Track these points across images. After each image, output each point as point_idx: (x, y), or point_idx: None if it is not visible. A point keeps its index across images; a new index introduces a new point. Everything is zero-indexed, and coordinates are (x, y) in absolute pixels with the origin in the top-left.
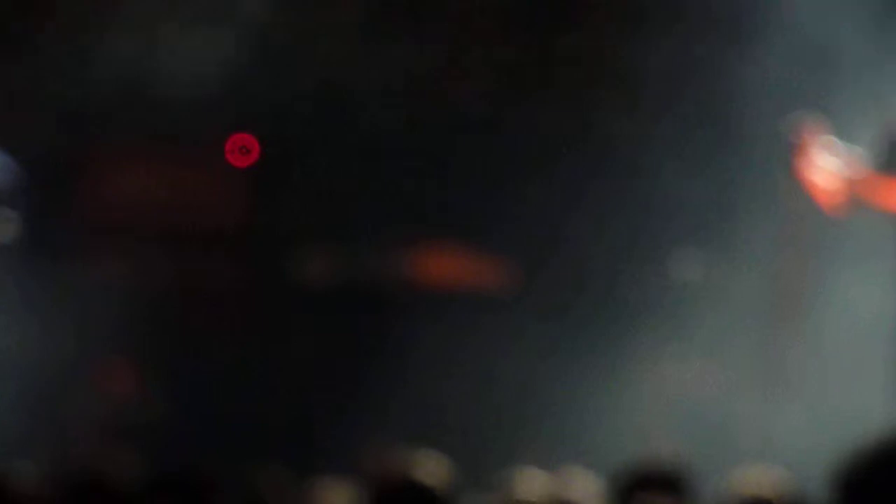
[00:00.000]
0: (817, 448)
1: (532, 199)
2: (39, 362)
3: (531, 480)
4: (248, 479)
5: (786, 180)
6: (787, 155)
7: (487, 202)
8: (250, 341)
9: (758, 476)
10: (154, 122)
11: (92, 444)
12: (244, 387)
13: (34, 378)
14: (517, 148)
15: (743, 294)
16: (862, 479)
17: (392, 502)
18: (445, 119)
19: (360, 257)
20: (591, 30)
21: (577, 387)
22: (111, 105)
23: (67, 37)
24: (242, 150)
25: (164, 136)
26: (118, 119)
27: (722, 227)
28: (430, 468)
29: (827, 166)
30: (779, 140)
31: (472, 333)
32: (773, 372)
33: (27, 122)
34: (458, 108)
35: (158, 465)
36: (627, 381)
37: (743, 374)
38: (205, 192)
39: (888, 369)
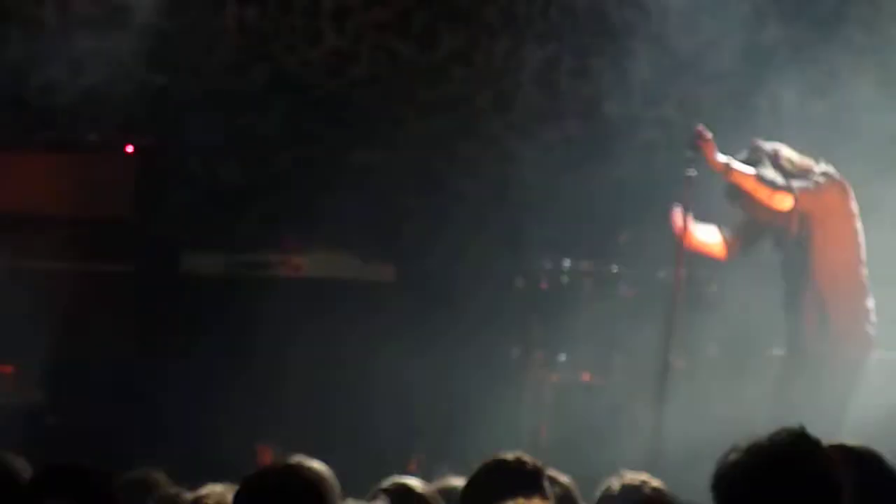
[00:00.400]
0: (698, 452)
1: (409, 201)
2: None
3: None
4: (133, 480)
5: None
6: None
7: (363, 204)
8: (139, 339)
9: (634, 477)
10: (46, 120)
11: None
12: (131, 387)
13: None
14: (394, 148)
15: (618, 298)
16: (736, 480)
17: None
18: (323, 123)
19: (243, 253)
20: (469, 32)
21: (453, 387)
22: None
23: None
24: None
25: (55, 134)
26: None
27: (597, 231)
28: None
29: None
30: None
31: (348, 332)
32: (658, 376)
33: None
34: (338, 111)
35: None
36: (504, 383)
37: (624, 378)
38: (96, 188)
39: (770, 374)
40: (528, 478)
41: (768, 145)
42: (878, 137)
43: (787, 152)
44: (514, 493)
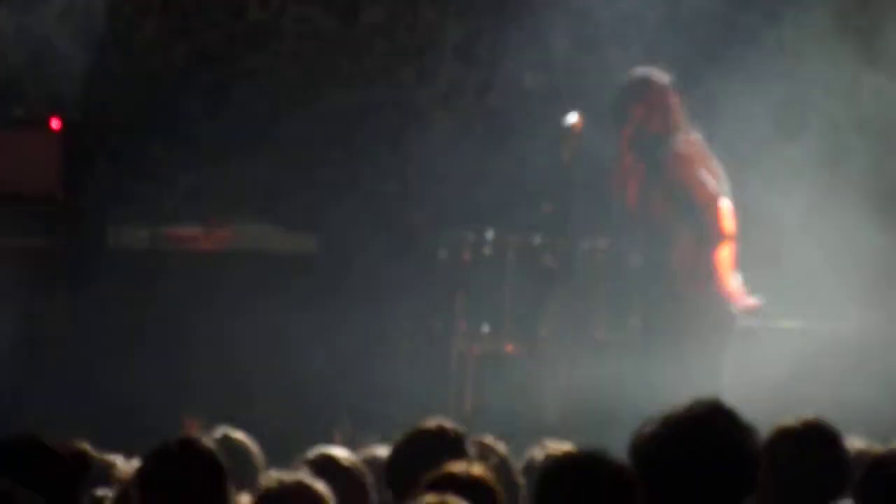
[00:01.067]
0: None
1: (332, 173)
2: None
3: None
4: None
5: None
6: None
7: (287, 176)
8: (67, 314)
9: (557, 447)
10: None
11: None
12: (60, 362)
13: None
14: (318, 120)
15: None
16: (652, 451)
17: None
18: (251, 94)
19: (168, 227)
20: (393, 4)
21: (377, 359)
22: None
23: None
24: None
25: None
26: None
27: (521, 203)
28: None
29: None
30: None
31: (272, 303)
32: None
33: None
34: (264, 81)
35: None
36: (428, 354)
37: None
38: (22, 164)
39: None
40: (451, 444)
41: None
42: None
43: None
44: (438, 460)
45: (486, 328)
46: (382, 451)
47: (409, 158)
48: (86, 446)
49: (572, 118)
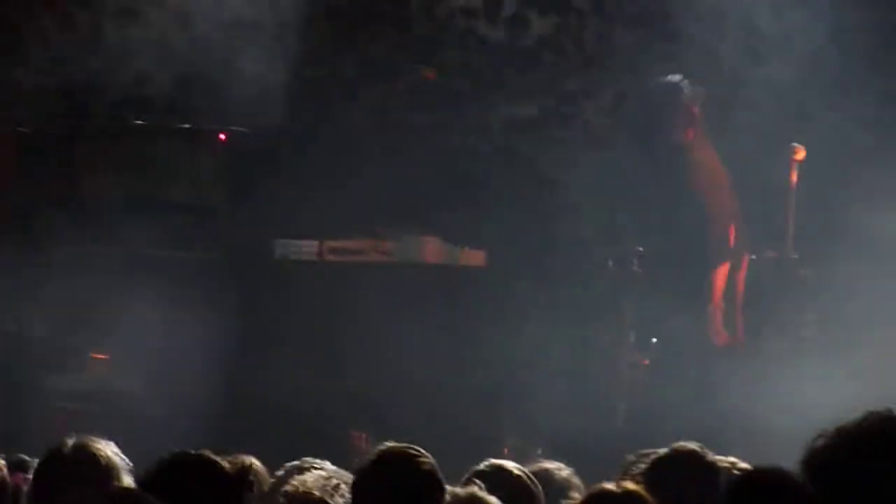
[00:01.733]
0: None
1: (497, 183)
2: None
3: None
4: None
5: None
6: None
7: (451, 188)
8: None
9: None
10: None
11: None
12: (226, 375)
13: None
14: (484, 132)
15: None
16: (828, 464)
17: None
18: (417, 106)
19: (334, 240)
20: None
21: (545, 371)
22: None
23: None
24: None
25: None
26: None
27: None
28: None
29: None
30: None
31: (440, 316)
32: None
33: None
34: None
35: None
36: (597, 366)
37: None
38: (189, 176)
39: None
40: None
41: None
42: None
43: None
44: None
45: (654, 339)
46: (552, 465)
47: (577, 171)
48: (250, 461)
49: (797, 147)
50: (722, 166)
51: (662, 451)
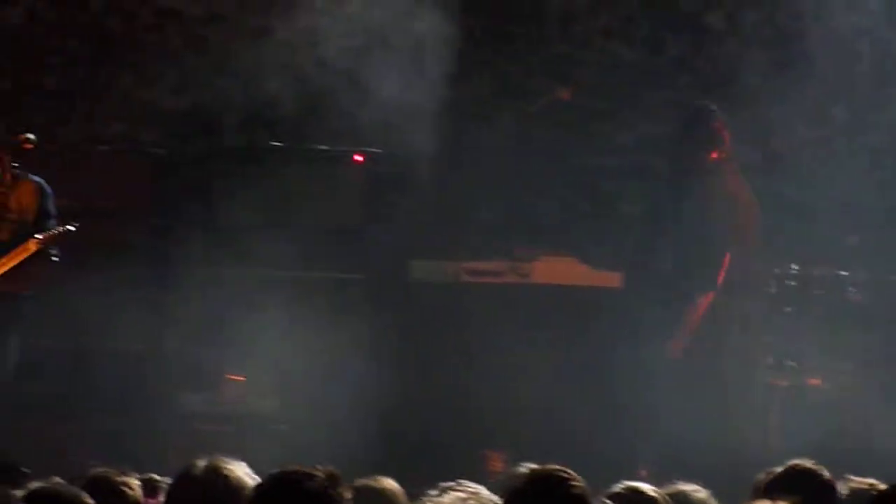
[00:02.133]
0: None
1: (631, 206)
2: None
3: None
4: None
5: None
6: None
7: (586, 208)
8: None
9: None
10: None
11: None
12: (360, 394)
13: None
14: (619, 153)
15: None
16: None
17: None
18: (553, 127)
19: (471, 261)
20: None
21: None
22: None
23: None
24: None
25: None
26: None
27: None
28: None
29: None
30: None
31: (577, 337)
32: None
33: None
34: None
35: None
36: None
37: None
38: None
39: None
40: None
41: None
42: None
43: None
44: None
45: (791, 362)
46: (688, 487)
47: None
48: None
49: None
50: (749, 195)
51: (779, 468)
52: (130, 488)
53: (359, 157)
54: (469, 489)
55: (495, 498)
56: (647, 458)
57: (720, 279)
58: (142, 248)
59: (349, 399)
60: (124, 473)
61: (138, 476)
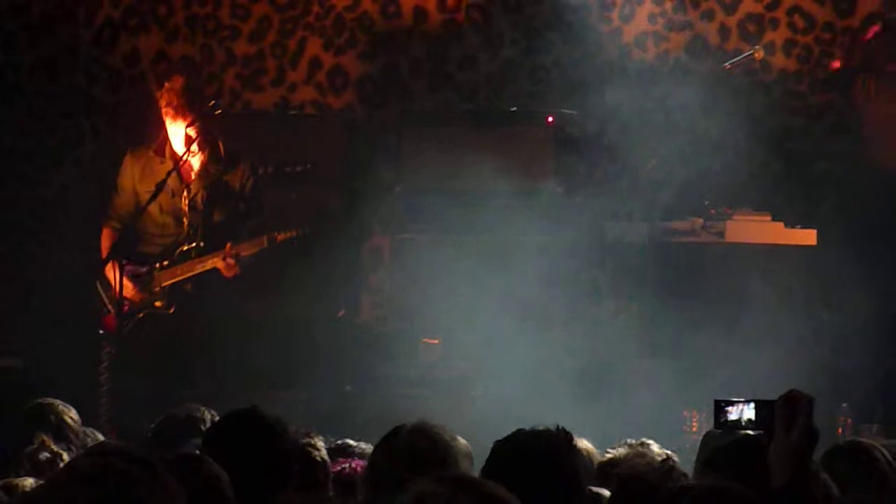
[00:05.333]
0: None
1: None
2: None
3: None
4: None
5: None
6: None
7: (779, 166)
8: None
9: None
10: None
11: None
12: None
13: None
14: None
15: None
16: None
17: None
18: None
19: (665, 221)
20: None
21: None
22: None
23: None
24: None
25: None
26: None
27: None
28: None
29: None
30: None
31: (772, 297)
32: None
33: None
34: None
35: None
36: None
37: None
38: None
39: None
40: None
41: None
42: None
43: None
44: None
45: None
46: None
47: None
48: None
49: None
50: None
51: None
52: (317, 449)
53: (550, 119)
54: (643, 445)
55: (667, 452)
56: (845, 414)
57: None
58: (336, 214)
59: (545, 361)
60: (308, 435)
61: (333, 440)
